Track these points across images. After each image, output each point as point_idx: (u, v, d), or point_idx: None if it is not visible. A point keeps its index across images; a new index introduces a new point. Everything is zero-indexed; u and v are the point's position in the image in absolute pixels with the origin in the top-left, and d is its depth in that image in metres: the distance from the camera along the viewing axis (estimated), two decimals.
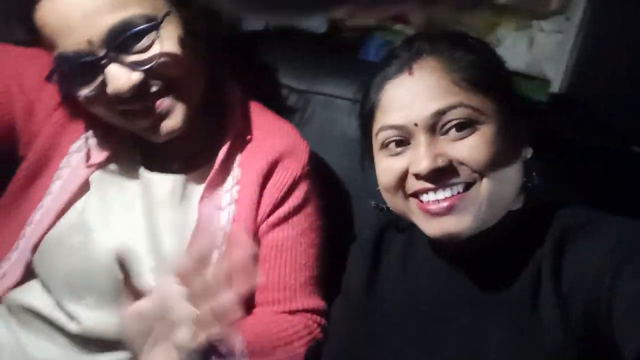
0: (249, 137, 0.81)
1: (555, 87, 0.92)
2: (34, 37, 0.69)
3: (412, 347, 0.69)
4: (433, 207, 0.64)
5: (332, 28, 1.07)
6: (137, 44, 0.68)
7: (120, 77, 0.67)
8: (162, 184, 0.78)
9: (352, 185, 0.92)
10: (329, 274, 0.83)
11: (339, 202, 0.91)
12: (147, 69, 0.68)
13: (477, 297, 0.67)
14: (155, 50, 0.68)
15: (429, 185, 0.64)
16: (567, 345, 0.60)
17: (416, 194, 0.66)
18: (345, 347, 0.75)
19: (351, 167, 0.89)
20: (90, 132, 0.78)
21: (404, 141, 0.66)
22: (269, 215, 0.79)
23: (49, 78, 0.69)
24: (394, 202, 0.69)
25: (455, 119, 0.63)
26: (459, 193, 0.64)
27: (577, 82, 0.89)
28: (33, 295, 0.76)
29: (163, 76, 0.70)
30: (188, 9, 0.71)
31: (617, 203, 0.77)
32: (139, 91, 0.68)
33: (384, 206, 0.73)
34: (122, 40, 0.66)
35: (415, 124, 0.64)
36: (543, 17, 1.07)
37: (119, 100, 0.68)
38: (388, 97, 0.67)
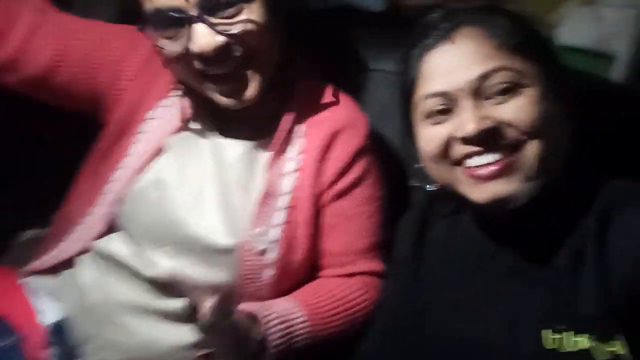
0: (311, 109, 0.85)
1: (621, 65, 0.90)
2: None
3: (456, 318, 0.71)
4: (481, 172, 0.64)
5: (391, 6, 1.08)
6: (227, 10, 0.72)
7: (205, 36, 0.72)
8: (233, 148, 0.83)
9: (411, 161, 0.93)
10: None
11: (398, 178, 0.93)
12: (232, 34, 0.72)
13: (520, 268, 0.68)
14: (241, 18, 0.73)
15: (476, 148, 0.64)
16: (606, 312, 0.61)
17: (463, 160, 0.66)
18: (393, 318, 0.78)
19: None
20: (167, 100, 0.84)
21: (447, 109, 0.67)
22: (331, 185, 0.83)
23: (141, 29, 0.75)
24: (439, 171, 0.69)
25: (499, 82, 0.64)
26: (506, 156, 0.64)
27: None
28: (116, 244, 0.84)
29: (245, 45, 0.74)
30: None
31: None
32: (221, 55, 0.73)
33: (425, 185, 0.75)
34: (214, 3, 0.71)
35: (460, 89, 0.65)
36: None
37: (201, 59, 0.73)
38: (430, 66, 0.68)
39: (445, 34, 0.68)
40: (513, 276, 0.69)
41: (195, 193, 0.81)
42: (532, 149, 0.64)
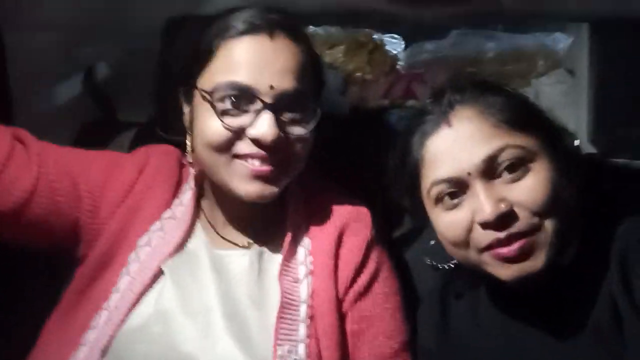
0: (313, 207, 0.82)
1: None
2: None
3: None
4: (507, 254, 0.63)
5: (353, 110, 1.13)
6: (294, 114, 0.74)
7: (271, 126, 0.72)
8: (238, 260, 0.77)
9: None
10: None
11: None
12: (290, 135, 0.74)
13: (557, 336, 0.66)
14: (301, 125, 0.75)
15: (499, 235, 0.63)
16: None
17: (488, 247, 0.65)
18: None
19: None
20: (158, 224, 0.78)
21: (458, 192, 0.66)
22: (351, 285, 0.77)
23: (209, 95, 0.73)
24: (464, 255, 0.68)
25: (506, 160, 0.64)
26: (527, 236, 0.63)
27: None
28: None
29: (292, 148, 0.75)
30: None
31: None
32: (269, 148, 0.72)
33: (439, 265, 0.73)
34: (289, 103, 0.74)
35: (469, 173, 0.64)
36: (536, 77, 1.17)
37: (256, 143, 0.72)
38: (432, 152, 0.68)
39: (441, 118, 0.68)
40: (553, 348, 0.66)
41: (203, 320, 0.72)
42: (550, 226, 0.64)
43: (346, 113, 1.09)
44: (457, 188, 0.66)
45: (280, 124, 0.73)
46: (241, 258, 0.77)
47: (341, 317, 0.76)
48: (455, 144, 0.66)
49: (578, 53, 1.03)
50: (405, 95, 1.18)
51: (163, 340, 0.70)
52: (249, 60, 0.73)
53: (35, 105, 1.03)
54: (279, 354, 0.70)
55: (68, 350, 0.72)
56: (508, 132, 0.66)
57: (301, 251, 0.78)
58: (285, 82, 0.73)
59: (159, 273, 0.75)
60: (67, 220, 0.76)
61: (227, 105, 0.72)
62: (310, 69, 0.77)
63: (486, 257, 0.65)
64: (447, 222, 0.67)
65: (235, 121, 0.72)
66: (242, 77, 0.72)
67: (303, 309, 0.74)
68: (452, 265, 0.75)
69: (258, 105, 0.72)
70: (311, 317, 0.74)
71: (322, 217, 0.81)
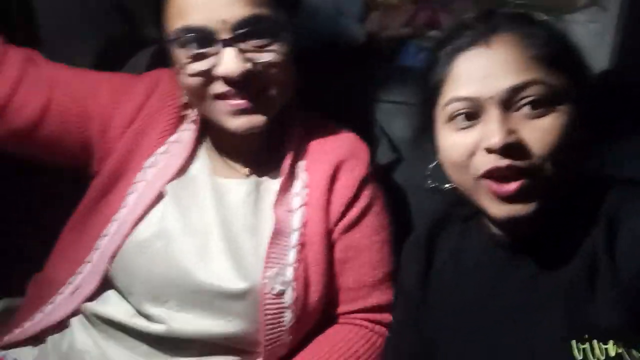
0: (311, 142, 0.84)
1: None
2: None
3: (470, 344, 0.69)
4: (501, 190, 0.63)
5: (370, 39, 1.10)
6: (256, 40, 0.73)
7: (234, 61, 0.72)
8: (237, 188, 0.81)
9: (405, 185, 0.94)
10: None
11: (395, 204, 0.92)
12: (258, 63, 0.73)
13: (535, 282, 0.67)
14: (267, 54, 0.74)
15: (499, 163, 0.62)
16: (624, 321, 0.60)
17: (485, 174, 0.64)
18: (404, 347, 0.76)
19: (405, 169, 0.93)
20: (164, 147, 0.82)
21: (473, 114, 0.64)
22: (341, 218, 0.81)
23: (166, 44, 0.74)
24: (462, 179, 0.67)
25: (531, 96, 0.62)
26: (526, 177, 0.63)
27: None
28: (111, 304, 0.78)
29: (267, 75, 0.75)
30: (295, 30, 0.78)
31: None
32: (243, 80, 0.73)
33: (442, 186, 0.72)
34: (246, 31, 0.72)
35: (489, 98, 0.63)
36: (572, 12, 1.08)
37: (225, 82, 0.73)
38: (461, 69, 0.65)
39: (481, 37, 0.65)
40: (528, 291, 0.68)
41: (202, 240, 0.78)
42: (553, 173, 0.63)
43: (362, 41, 1.07)
44: (475, 110, 0.64)
45: (246, 55, 0.72)
46: (240, 186, 0.81)
47: (330, 246, 0.81)
48: (488, 66, 0.64)
49: None
50: (429, 24, 1.13)
51: (164, 254, 0.76)
52: (203, 1, 0.71)
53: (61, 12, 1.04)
54: (267, 274, 0.75)
55: (83, 254, 0.80)
56: (543, 67, 0.63)
57: (297, 183, 0.82)
58: (237, 11, 0.71)
59: (163, 194, 0.80)
60: (78, 139, 0.81)
61: (192, 50, 0.73)
62: None
63: (482, 186, 0.65)
64: (453, 141, 0.66)
65: (200, 65, 0.73)
66: (194, 18, 0.71)
67: (294, 237, 0.79)
68: (449, 188, 0.73)
69: (218, 43, 0.72)
70: (302, 244, 0.79)
71: (320, 151, 0.83)
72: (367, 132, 0.91)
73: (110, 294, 0.79)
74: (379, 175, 0.87)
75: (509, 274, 0.69)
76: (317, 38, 1.02)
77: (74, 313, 0.80)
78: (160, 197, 0.80)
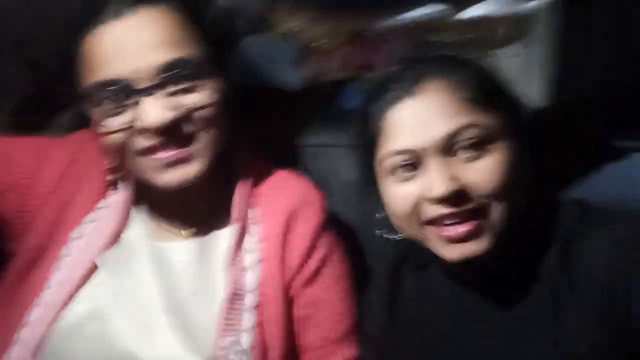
0: (263, 191, 0.79)
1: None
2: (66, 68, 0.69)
3: None
4: (451, 234, 0.63)
5: (310, 83, 1.09)
6: (179, 85, 0.67)
7: (155, 111, 0.66)
8: (179, 251, 0.74)
9: (357, 229, 0.91)
10: None
11: (348, 247, 0.88)
12: (181, 111, 0.68)
13: (501, 313, 0.66)
14: (193, 96, 0.68)
15: (445, 211, 0.62)
16: (598, 344, 0.60)
17: (433, 222, 0.64)
18: None
19: (354, 212, 0.90)
20: (93, 215, 0.74)
21: (413, 165, 0.64)
22: (298, 271, 0.76)
23: (81, 102, 0.68)
24: (410, 228, 0.67)
25: (467, 139, 0.62)
26: (475, 218, 0.63)
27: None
28: None
29: (196, 120, 0.69)
30: (226, 69, 0.73)
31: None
32: (169, 131, 0.67)
33: (392, 236, 0.71)
34: (166, 78, 0.67)
35: (425, 148, 0.63)
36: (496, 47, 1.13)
37: (150, 134, 0.67)
38: (392, 122, 0.65)
39: (408, 88, 0.65)
40: (495, 323, 0.67)
41: (142, 315, 0.69)
42: (500, 210, 0.63)
43: (298, 87, 1.05)
44: (413, 161, 0.64)
45: (170, 101, 0.67)
46: (182, 249, 0.74)
47: (288, 304, 0.75)
48: (418, 117, 0.63)
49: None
50: (363, 67, 1.14)
51: (99, 338, 0.68)
52: (107, 49, 0.66)
53: None
54: (222, 345, 0.69)
55: (1, 349, 0.69)
56: (475, 108, 0.63)
57: (249, 238, 0.76)
58: (153, 58, 0.66)
59: (95, 267, 0.72)
60: None
61: (108, 105, 0.67)
62: (195, 33, 0.70)
63: (431, 232, 0.64)
64: (398, 194, 0.66)
65: (120, 120, 0.67)
66: (106, 70, 0.66)
67: (250, 298, 0.72)
68: (399, 238, 0.73)
69: (136, 93, 0.66)
70: (259, 306, 0.73)
71: (271, 201, 0.78)
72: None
73: None
74: (334, 222, 0.83)
75: (473, 308, 0.69)
76: (251, 81, 1.00)
77: None
78: (91, 271, 0.72)
